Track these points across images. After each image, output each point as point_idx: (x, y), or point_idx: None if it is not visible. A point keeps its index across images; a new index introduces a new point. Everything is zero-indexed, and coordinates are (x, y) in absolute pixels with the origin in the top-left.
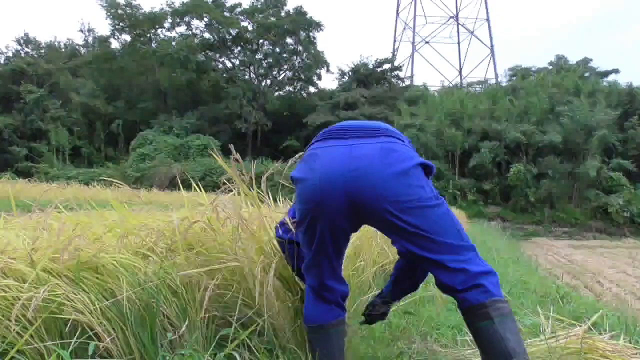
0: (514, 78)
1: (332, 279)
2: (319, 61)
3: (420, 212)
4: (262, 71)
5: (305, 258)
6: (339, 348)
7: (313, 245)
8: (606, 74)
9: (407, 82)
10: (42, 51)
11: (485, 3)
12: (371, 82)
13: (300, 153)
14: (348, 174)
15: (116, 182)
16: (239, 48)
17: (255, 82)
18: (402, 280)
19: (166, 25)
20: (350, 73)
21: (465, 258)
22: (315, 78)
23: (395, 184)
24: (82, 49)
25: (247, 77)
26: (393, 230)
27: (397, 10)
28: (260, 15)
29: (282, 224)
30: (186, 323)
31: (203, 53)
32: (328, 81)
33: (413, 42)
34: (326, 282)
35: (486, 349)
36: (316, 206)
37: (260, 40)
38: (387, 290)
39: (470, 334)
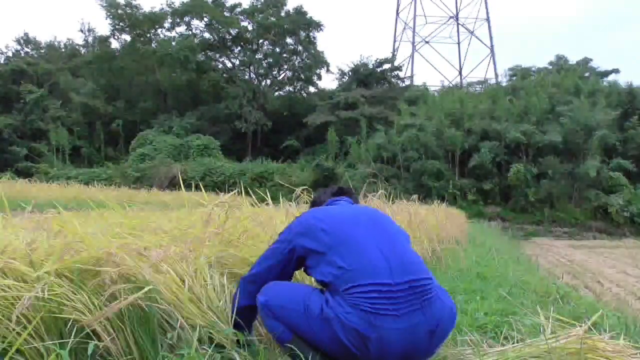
0: (514, 78)
1: None
2: (319, 61)
3: None
4: (262, 71)
5: None
6: None
7: None
8: (606, 74)
9: (407, 82)
10: (42, 51)
11: (485, 3)
12: (371, 82)
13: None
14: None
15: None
16: (239, 48)
17: (255, 82)
18: None
19: (166, 25)
20: (350, 73)
21: None
22: (315, 78)
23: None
24: (82, 49)
25: (247, 77)
26: None
27: (397, 10)
28: (260, 15)
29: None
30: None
31: (203, 53)
32: (328, 81)
33: (413, 42)
34: None
35: None
36: None
37: (260, 40)
38: None
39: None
